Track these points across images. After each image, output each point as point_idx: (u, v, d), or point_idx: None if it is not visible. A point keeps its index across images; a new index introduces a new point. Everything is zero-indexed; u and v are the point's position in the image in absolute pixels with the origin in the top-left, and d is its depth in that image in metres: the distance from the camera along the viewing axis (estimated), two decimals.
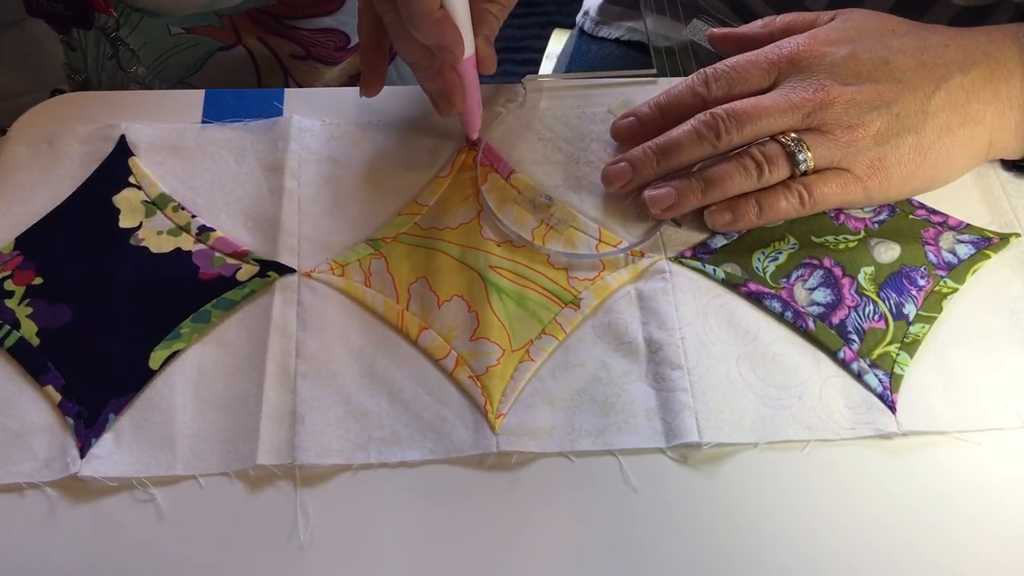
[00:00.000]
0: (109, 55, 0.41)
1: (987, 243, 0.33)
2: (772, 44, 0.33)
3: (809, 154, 0.31)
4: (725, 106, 0.32)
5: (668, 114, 0.34)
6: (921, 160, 0.32)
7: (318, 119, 0.36)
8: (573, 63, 0.54)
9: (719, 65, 0.33)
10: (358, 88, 0.35)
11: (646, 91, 0.37)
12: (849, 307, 0.31)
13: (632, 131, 0.34)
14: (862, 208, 0.34)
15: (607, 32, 0.53)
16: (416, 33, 0.30)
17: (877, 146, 0.31)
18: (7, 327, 0.31)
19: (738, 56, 0.33)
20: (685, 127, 0.32)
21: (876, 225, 0.34)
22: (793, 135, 0.31)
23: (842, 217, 0.34)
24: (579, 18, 0.56)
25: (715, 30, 0.38)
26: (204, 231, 0.33)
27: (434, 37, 0.30)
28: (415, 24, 0.29)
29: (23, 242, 0.33)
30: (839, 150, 0.31)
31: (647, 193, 0.33)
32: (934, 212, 0.34)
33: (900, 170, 0.32)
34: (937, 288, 0.32)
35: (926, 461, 0.28)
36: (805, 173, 0.32)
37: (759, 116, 0.31)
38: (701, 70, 0.33)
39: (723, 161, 0.32)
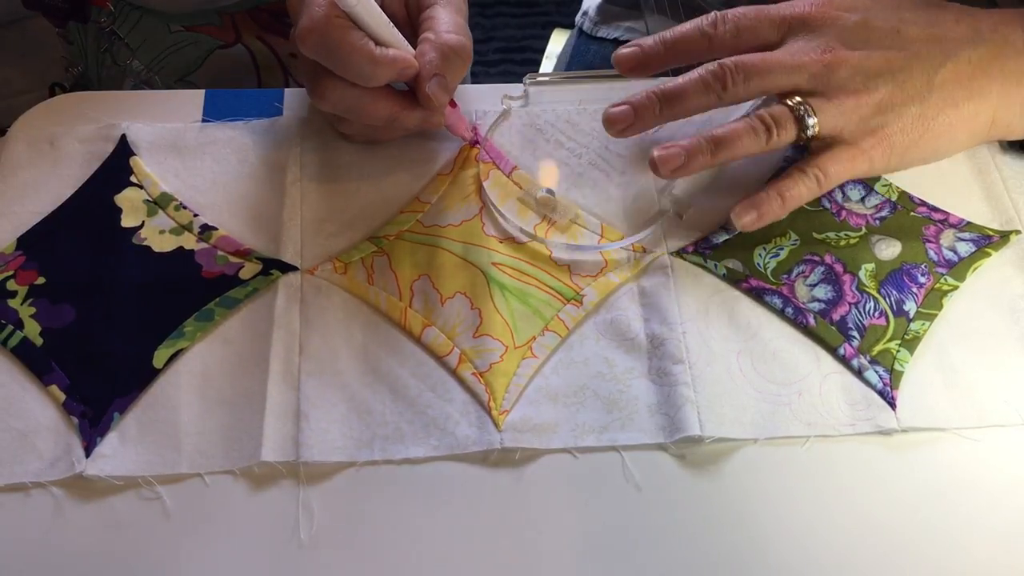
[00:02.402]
0: (104, 48, 0.41)
1: (987, 241, 0.33)
2: (785, 3, 0.33)
3: (815, 119, 0.31)
4: (733, 58, 0.32)
5: (671, 49, 0.33)
6: (924, 131, 0.32)
7: (319, 118, 0.36)
8: (572, 63, 0.55)
9: (729, 11, 0.33)
10: None
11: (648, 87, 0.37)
12: (850, 304, 0.32)
13: (634, 60, 0.34)
14: (864, 203, 0.34)
15: (606, 32, 0.53)
16: (376, 80, 0.29)
17: (880, 114, 0.31)
18: (10, 327, 0.31)
19: (750, 6, 0.33)
20: (692, 75, 0.32)
21: (877, 222, 0.34)
22: (799, 98, 0.31)
23: (843, 214, 0.34)
24: (578, 18, 0.57)
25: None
26: (206, 230, 0.33)
27: (392, 72, 0.30)
28: (369, 75, 0.29)
29: (25, 242, 0.33)
30: (843, 116, 0.31)
31: (655, 153, 0.32)
32: (935, 209, 0.34)
33: (902, 139, 0.32)
34: (937, 285, 0.32)
35: (926, 457, 0.29)
36: (812, 137, 0.32)
37: (766, 71, 0.31)
38: (712, 12, 0.33)
39: (732, 122, 0.32)
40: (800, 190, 0.32)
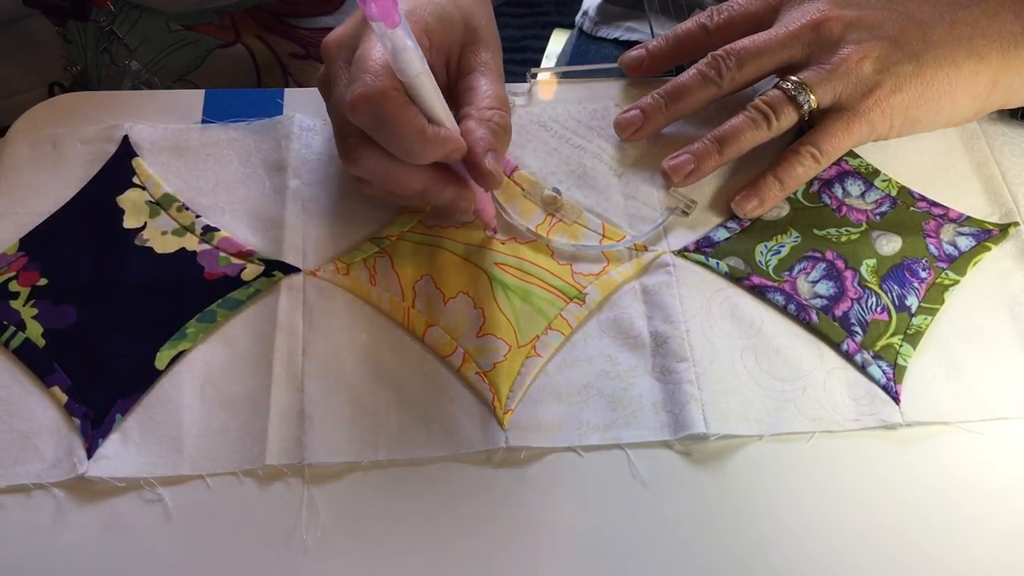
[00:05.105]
0: (103, 48, 0.41)
1: (987, 235, 0.34)
2: None
3: (812, 96, 0.32)
4: (725, 46, 0.33)
5: (675, 46, 0.35)
6: (923, 89, 0.32)
7: (319, 118, 0.36)
8: (572, 63, 0.55)
9: (724, 1, 0.34)
10: None
11: (650, 85, 0.37)
12: (852, 299, 0.32)
13: (641, 61, 0.36)
14: (864, 199, 0.34)
15: (606, 32, 0.53)
16: (424, 159, 0.28)
17: (876, 74, 0.31)
18: (12, 328, 0.30)
19: None
20: (690, 71, 0.33)
21: (878, 217, 0.34)
22: (793, 79, 0.32)
23: (844, 210, 0.34)
24: (578, 18, 0.57)
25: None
26: (209, 231, 0.33)
27: (441, 152, 0.28)
28: (418, 154, 0.27)
29: (28, 243, 0.33)
30: (839, 82, 0.31)
31: (666, 163, 0.33)
32: (935, 204, 0.35)
33: (901, 98, 0.32)
34: (939, 280, 0.32)
35: (930, 452, 0.29)
36: (811, 114, 0.32)
37: (758, 52, 0.32)
38: (709, 7, 0.34)
39: (731, 118, 0.33)
40: (797, 171, 0.32)
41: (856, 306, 0.32)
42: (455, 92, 0.31)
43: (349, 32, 0.30)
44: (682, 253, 0.33)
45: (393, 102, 0.26)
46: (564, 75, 0.39)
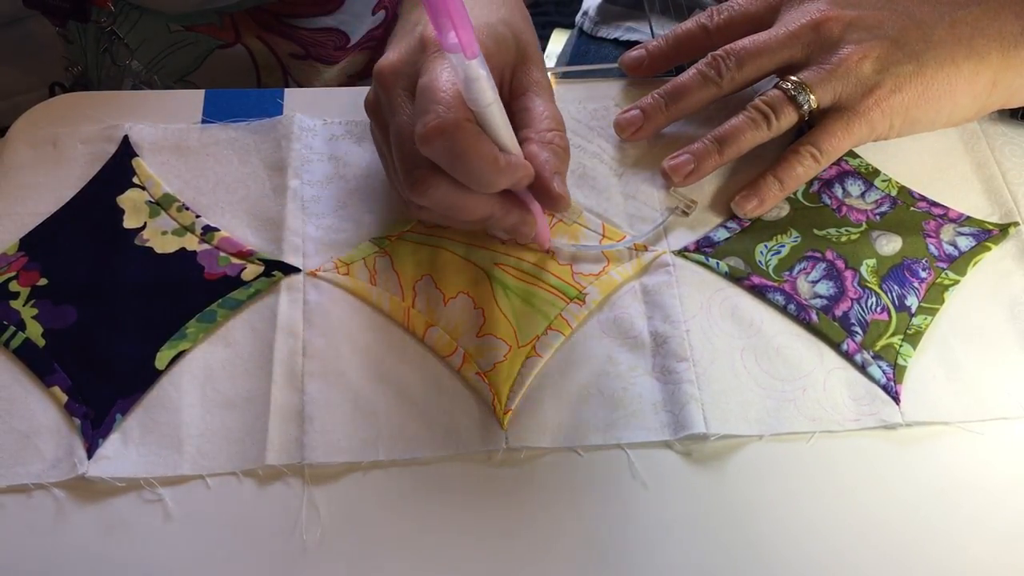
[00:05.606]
0: (104, 48, 0.41)
1: (987, 235, 0.34)
2: None
3: (812, 96, 0.32)
4: (725, 46, 0.33)
5: (675, 47, 0.35)
6: (923, 89, 0.32)
7: (319, 118, 0.36)
8: (572, 63, 0.55)
9: (724, 2, 0.35)
10: (358, 88, 0.36)
11: (650, 85, 0.38)
12: (852, 299, 0.32)
13: (641, 61, 0.36)
14: (864, 199, 0.35)
15: (606, 32, 0.53)
16: (495, 187, 0.27)
17: (876, 74, 0.32)
18: (13, 328, 0.30)
19: None
20: (690, 71, 0.33)
21: (878, 217, 0.34)
22: (793, 79, 0.32)
23: (844, 210, 0.34)
24: (578, 18, 0.57)
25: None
26: (209, 231, 0.33)
27: (511, 180, 0.27)
28: (489, 184, 0.27)
29: (28, 243, 0.33)
30: (839, 82, 0.32)
31: (666, 163, 0.33)
32: (935, 204, 0.35)
33: (901, 98, 0.32)
34: (939, 280, 0.32)
35: (930, 452, 0.29)
36: (811, 114, 0.32)
37: (758, 52, 0.32)
38: (709, 7, 0.35)
39: (731, 118, 0.33)
40: (797, 171, 0.33)
41: (856, 306, 0.32)
42: (509, 113, 0.30)
43: (404, 58, 0.29)
44: (682, 253, 0.33)
45: (467, 133, 0.26)
46: (564, 75, 0.39)
